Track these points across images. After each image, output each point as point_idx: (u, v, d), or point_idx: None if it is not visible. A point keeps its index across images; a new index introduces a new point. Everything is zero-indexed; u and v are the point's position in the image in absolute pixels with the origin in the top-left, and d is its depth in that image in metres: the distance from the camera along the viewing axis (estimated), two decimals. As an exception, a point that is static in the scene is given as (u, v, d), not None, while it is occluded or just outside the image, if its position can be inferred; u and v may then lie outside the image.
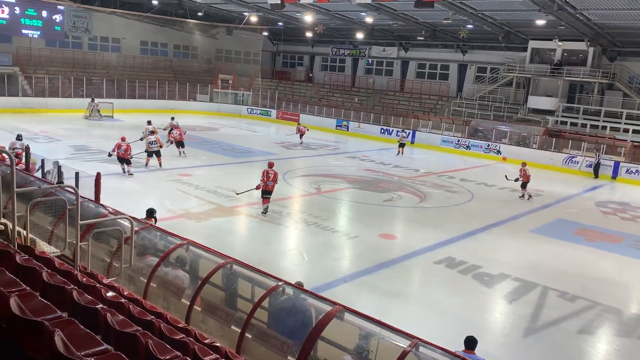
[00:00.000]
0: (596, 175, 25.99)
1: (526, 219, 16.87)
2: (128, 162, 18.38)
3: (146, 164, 19.97)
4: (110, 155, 19.61)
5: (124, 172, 18.30)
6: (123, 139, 18.59)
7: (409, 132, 32.14)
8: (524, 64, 34.26)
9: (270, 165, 15.19)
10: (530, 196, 19.57)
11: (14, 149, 15.99)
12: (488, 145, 30.34)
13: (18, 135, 17.31)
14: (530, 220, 16.81)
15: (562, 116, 32.28)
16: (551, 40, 32.39)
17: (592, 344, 9.16)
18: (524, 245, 14.07)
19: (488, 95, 36.22)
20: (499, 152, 29.81)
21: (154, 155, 19.94)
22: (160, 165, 20.00)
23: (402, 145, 28.79)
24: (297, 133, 29.88)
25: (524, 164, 19.95)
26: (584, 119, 31.41)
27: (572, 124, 31.66)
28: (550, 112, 32.75)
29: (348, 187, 19.53)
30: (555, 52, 33.25)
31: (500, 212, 17.31)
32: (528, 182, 19.44)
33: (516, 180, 19.74)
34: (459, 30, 33.99)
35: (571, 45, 32.39)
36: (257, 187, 14.95)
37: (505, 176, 20.46)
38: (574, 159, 27.08)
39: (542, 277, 11.68)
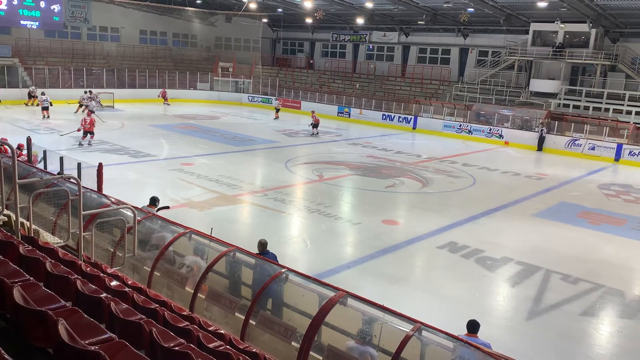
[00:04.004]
0: (540, 148, 27.67)
1: (529, 203, 16.86)
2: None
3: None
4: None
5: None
6: (89, 114, 23.27)
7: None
8: (525, 47, 34.02)
9: (89, 114, 22.42)
10: (317, 133, 27.97)
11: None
12: (490, 130, 30.22)
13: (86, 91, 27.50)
14: (532, 203, 16.80)
15: (564, 99, 32.12)
16: (553, 22, 32.13)
17: (595, 325, 9.20)
18: (527, 229, 14.08)
19: (490, 79, 36.03)
20: (501, 136, 29.69)
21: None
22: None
23: (165, 98, 36.94)
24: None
25: (313, 112, 28.88)
26: (587, 101, 31.24)
27: (574, 106, 31.49)
28: (552, 95, 32.58)
29: (350, 173, 19.52)
30: (557, 35, 32.98)
31: (502, 196, 17.30)
32: (317, 124, 27.99)
33: (310, 124, 28.04)
34: (460, 14, 33.72)
35: (573, 27, 32.11)
36: (78, 130, 21.20)
37: (308, 126, 28.54)
38: (576, 142, 26.98)
39: (544, 260, 11.70)
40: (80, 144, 20.67)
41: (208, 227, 8.66)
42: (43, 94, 29.20)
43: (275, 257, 7.94)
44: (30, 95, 32.45)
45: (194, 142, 23.63)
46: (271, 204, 14.76)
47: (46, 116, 27.66)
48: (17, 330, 3.21)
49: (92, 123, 21.21)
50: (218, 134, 26.58)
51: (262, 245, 8.01)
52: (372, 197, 16.53)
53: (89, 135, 21.11)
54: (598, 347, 8.55)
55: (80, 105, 29.79)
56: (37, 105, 29.59)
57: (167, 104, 37.42)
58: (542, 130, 27.71)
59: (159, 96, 37.80)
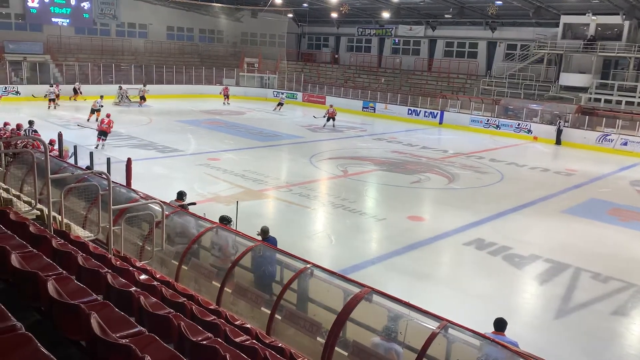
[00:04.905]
0: (558, 142, 27.48)
1: (558, 199, 16.55)
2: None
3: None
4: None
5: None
6: (108, 115, 20.77)
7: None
8: (555, 40, 33.28)
9: (108, 115, 20.52)
10: (333, 126, 28.29)
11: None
12: (518, 125, 29.75)
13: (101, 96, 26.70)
14: (562, 200, 16.49)
15: (595, 93, 31.35)
16: (584, 14, 31.35)
17: (626, 325, 9.01)
18: (556, 226, 13.83)
19: (518, 73, 35.36)
20: (529, 131, 29.20)
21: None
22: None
23: (227, 96, 37.05)
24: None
25: (331, 106, 29.51)
26: (619, 95, 30.43)
27: (606, 101, 30.72)
28: (583, 89, 31.83)
29: (375, 169, 19.45)
30: (589, 27, 32.18)
31: (531, 193, 17.02)
32: (334, 117, 28.39)
33: (324, 116, 28.42)
34: (488, 7, 33.19)
35: (605, 20, 31.31)
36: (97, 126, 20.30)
37: (314, 116, 29.79)
38: (608, 137, 26.37)
39: (574, 258, 11.48)
40: (97, 147, 18.76)
41: (234, 221, 8.78)
42: (51, 85, 30.97)
43: (276, 240, 8.48)
44: (75, 91, 33.53)
45: (220, 138, 23.84)
46: (296, 199, 14.81)
47: (52, 107, 29.53)
48: (52, 323, 3.29)
49: (109, 124, 19.86)
50: (244, 130, 26.75)
51: (264, 232, 8.51)
52: (397, 193, 16.44)
53: (102, 136, 19.56)
54: (629, 347, 8.38)
55: (92, 111, 25.85)
56: (55, 98, 30.71)
57: (228, 103, 36.88)
58: (559, 123, 27.43)
59: (220, 93, 37.77)
